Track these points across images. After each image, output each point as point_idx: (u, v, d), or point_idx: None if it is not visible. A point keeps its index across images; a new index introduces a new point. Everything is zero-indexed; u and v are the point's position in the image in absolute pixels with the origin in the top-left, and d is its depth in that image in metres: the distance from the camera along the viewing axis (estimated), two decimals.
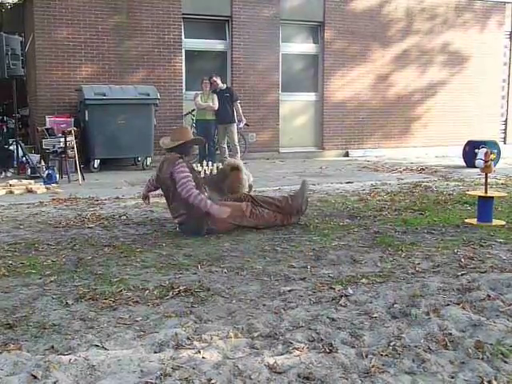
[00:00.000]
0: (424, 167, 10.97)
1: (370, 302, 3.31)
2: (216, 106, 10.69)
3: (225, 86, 11.20)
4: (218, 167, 9.82)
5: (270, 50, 12.65)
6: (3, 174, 9.51)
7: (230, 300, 3.44)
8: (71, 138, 9.18)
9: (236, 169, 5.95)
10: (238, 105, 11.14)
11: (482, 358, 2.59)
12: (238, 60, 12.43)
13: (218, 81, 11.04)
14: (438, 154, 13.75)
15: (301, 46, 13.26)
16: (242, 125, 11.35)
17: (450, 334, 2.83)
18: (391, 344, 2.72)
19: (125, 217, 6.12)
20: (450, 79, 14.60)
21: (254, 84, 12.51)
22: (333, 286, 3.65)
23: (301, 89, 13.26)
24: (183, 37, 12.02)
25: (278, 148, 12.93)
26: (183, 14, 11.89)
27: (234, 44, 12.39)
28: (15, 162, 9.55)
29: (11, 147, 9.70)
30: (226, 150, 11.11)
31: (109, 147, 10.23)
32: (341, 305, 3.29)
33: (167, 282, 3.75)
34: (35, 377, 2.38)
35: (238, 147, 11.24)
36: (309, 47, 13.33)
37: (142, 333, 2.91)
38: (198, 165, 9.75)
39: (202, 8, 12.05)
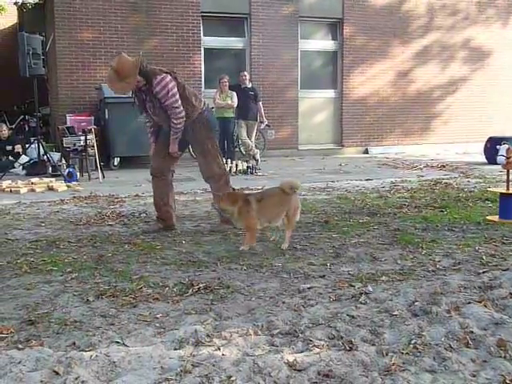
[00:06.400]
0: (444, 164, 10.87)
1: (391, 300, 3.29)
2: (235, 103, 10.66)
3: (250, 84, 11.18)
4: (236, 165, 9.84)
5: (289, 47, 12.63)
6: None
7: (249, 297, 3.43)
8: (91, 137, 9.26)
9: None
10: (261, 105, 11.10)
11: (505, 357, 2.55)
12: (257, 57, 12.43)
13: (248, 77, 11.06)
14: (459, 151, 13.61)
15: (320, 43, 13.21)
16: (263, 126, 11.32)
17: (472, 332, 2.79)
18: (412, 342, 2.70)
19: (145, 214, 6.16)
20: (471, 75, 14.44)
21: (273, 81, 12.50)
22: (352, 284, 3.63)
23: (320, 86, 13.23)
24: (202, 35, 12.05)
25: (296, 145, 12.90)
26: (202, 12, 11.92)
27: (252, 41, 12.38)
28: (50, 168, 9.59)
29: (44, 157, 9.71)
30: (251, 143, 10.93)
31: (128, 145, 10.29)
32: (361, 302, 3.27)
33: (187, 280, 3.76)
34: (57, 373, 2.40)
35: (254, 144, 11.15)
36: (328, 44, 13.28)
37: (162, 330, 2.92)
38: None
39: (220, 6, 12.07)
